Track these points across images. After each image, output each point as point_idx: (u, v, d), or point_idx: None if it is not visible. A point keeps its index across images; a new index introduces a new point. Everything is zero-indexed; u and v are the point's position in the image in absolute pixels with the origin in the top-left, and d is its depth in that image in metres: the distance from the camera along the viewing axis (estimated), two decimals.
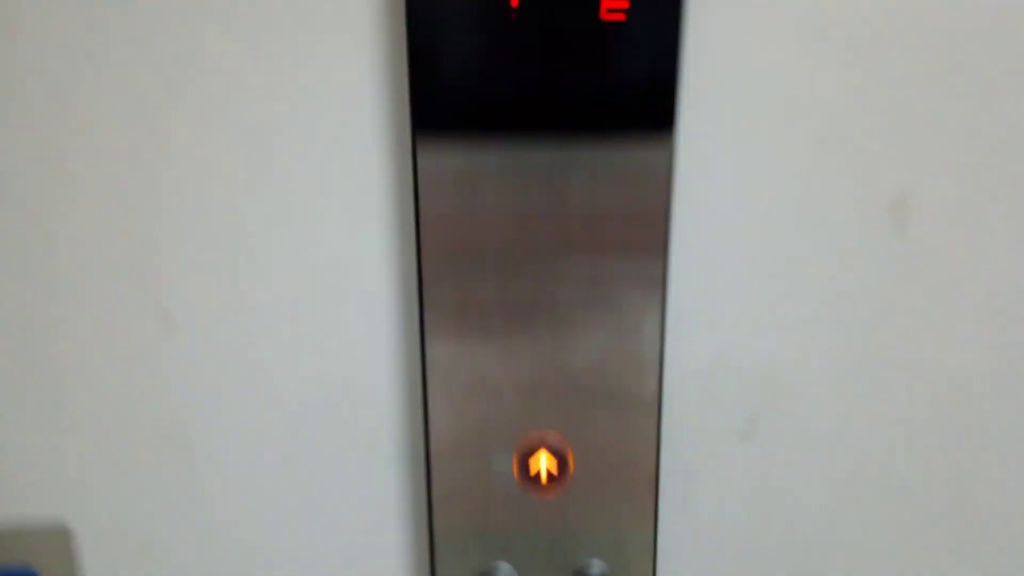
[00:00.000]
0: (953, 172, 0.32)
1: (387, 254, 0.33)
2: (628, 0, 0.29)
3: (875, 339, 0.34)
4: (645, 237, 0.31)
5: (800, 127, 0.32)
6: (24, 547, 0.37)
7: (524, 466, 0.34)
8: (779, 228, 0.33)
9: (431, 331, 0.32)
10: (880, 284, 0.33)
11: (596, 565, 0.36)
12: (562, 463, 0.34)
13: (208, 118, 0.31)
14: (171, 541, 0.37)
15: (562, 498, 0.34)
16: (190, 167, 0.32)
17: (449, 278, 0.32)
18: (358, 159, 0.31)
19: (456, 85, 0.29)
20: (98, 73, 0.31)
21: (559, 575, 0.35)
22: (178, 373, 0.34)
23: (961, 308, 0.33)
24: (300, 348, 0.34)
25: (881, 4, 0.30)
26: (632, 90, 0.29)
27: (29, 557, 0.37)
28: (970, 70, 0.31)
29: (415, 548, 0.37)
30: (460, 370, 0.33)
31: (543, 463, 0.34)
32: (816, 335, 0.34)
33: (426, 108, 0.29)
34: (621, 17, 0.29)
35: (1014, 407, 0.35)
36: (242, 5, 0.30)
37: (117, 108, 0.31)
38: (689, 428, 0.35)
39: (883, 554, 0.37)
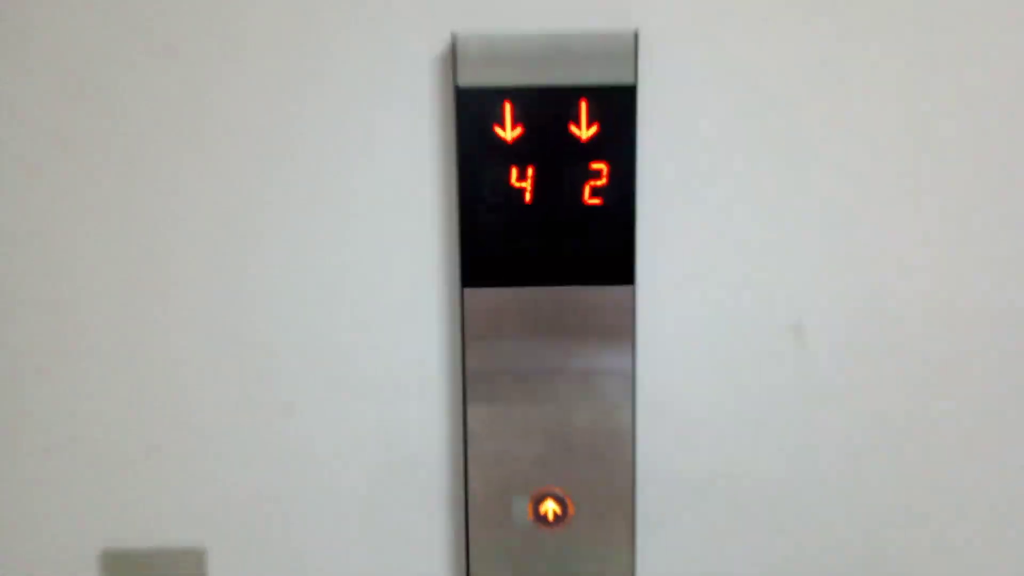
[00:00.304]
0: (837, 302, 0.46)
1: (443, 365, 0.47)
2: (602, 196, 0.44)
3: (790, 418, 0.47)
4: (619, 349, 0.45)
5: (724, 277, 0.46)
6: (167, 565, 0.50)
7: (536, 509, 0.47)
8: (715, 343, 0.46)
9: (472, 415, 0.46)
10: (787, 382, 0.47)
11: None
12: (563, 507, 0.47)
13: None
14: (280, 563, 0.50)
15: (564, 533, 0.47)
16: (304, 311, 0.46)
17: (484, 376, 0.46)
18: (427, 300, 0.46)
19: (490, 252, 0.44)
20: (203, 160, 0.46)
21: None
22: (293, 444, 0.48)
23: (845, 397, 0.47)
24: (378, 431, 0.48)
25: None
26: (605, 255, 0.44)
27: (171, 573, 0.50)
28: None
29: (456, 570, 0.50)
30: (490, 444, 0.46)
31: (550, 507, 0.47)
32: (745, 414, 0.47)
33: (470, 267, 0.44)
34: (599, 202, 0.44)
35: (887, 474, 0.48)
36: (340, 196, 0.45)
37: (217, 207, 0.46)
38: (659, 483, 0.48)
39: None
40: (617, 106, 0.43)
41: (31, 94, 0.44)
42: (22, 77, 0.44)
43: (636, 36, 0.43)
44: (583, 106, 0.43)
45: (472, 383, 0.46)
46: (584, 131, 0.43)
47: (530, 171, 0.43)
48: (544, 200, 0.44)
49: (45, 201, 0.45)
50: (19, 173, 0.45)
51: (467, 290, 0.44)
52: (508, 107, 0.43)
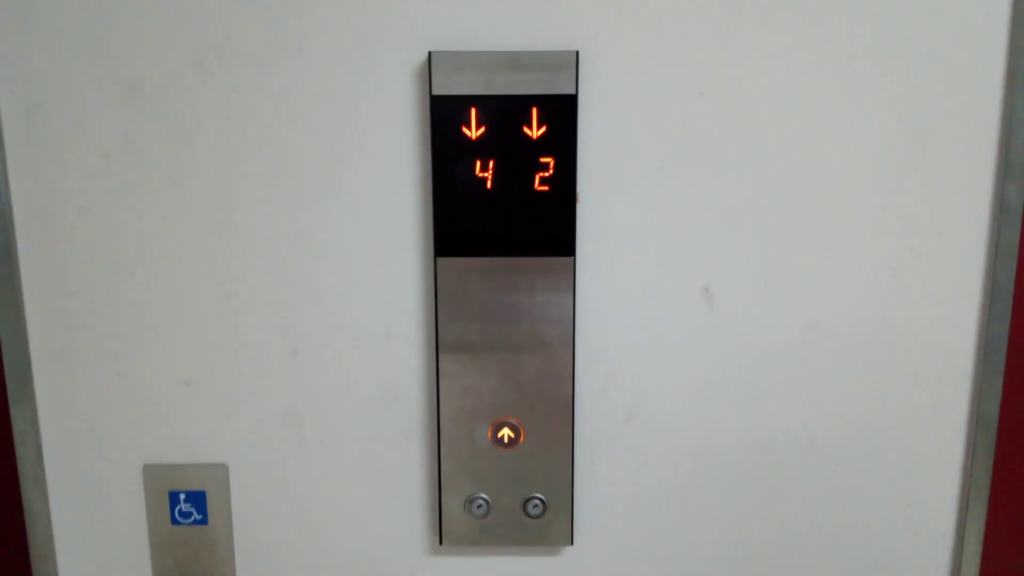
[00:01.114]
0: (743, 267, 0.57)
1: (420, 318, 0.57)
2: (549, 184, 0.54)
3: (699, 366, 0.59)
4: (561, 308, 0.56)
5: (647, 251, 0.56)
6: (197, 477, 0.61)
7: (495, 434, 0.58)
8: (639, 303, 0.57)
9: (443, 358, 0.57)
10: (698, 337, 0.58)
11: (538, 495, 0.59)
12: (517, 433, 0.58)
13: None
14: (286, 477, 0.61)
15: (516, 453, 0.59)
16: (317, 276, 0.57)
17: (453, 327, 0.56)
18: (406, 266, 0.57)
19: (458, 228, 0.54)
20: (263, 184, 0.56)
21: (515, 501, 0.59)
22: (300, 379, 0.59)
23: (743, 345, 0.58)
24: (371, 370, 0.59)
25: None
26: (551, 231, 0.54)
27: (202, 484, 0.61)
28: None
29: (430, 484, 0.61)
30: (459, 379, 0.57)
31: (505, 432, 0.58)
32: (663, 361, 0.59)
33: (442, 241, 0.55)
34: (547, 188, 0.54)
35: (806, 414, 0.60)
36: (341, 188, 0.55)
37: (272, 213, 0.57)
38: (592, 416, 0.59)
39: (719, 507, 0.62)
40: (561, 111, 0.53)
41: (100, 98, 0.54)
42: (93, 84, 0.54)
43: (577, 55, 0.52)
44: (534, 111, 0.52)
45: (443, 333, 0.56)
46: (535, 131, 0.53)
47: (491, 164, 0.53)
48: (502, 187, 0.54)
49: (112, 180, 0.55)
50: (92, 160, 0.55)
51: (439, 259, 0.55)
52: (473, 111, 0.52)
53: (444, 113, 0.53)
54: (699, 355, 0.58)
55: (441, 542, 0.60)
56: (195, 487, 0.61)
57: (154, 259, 0.57)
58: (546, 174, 0.54)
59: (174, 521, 0.61)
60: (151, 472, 0.61)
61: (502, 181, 0.54)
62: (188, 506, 0.61)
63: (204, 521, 0.61)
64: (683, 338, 0.58)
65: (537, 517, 0.59)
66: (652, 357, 0.59)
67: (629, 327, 0.58)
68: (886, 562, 0.62)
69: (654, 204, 0.56)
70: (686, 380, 0.59)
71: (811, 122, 0.54)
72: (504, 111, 0.52)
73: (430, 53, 0.52)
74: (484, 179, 0.54)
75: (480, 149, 0.53)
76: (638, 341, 0.58)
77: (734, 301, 0.57)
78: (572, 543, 0.61)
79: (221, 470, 0.61)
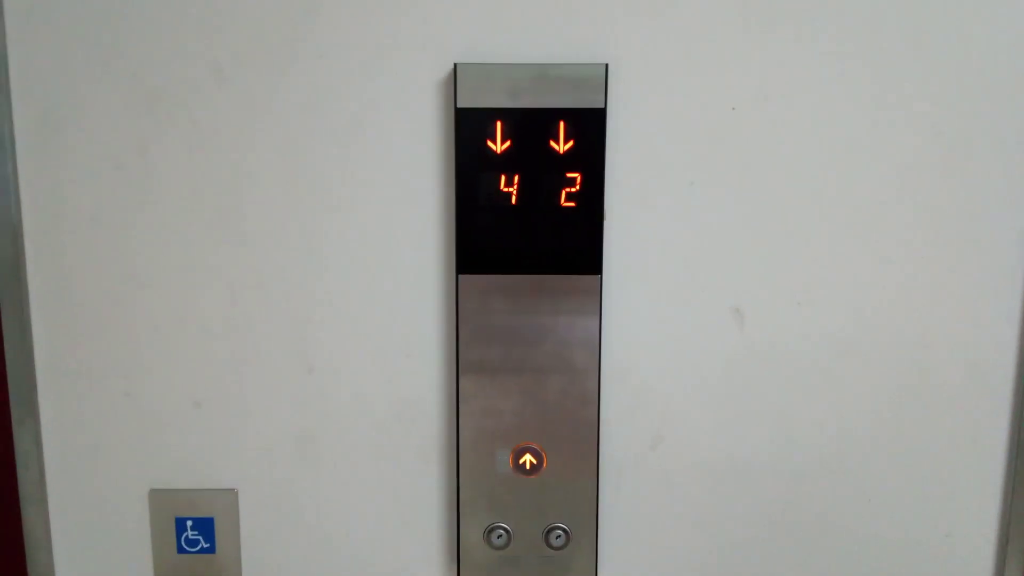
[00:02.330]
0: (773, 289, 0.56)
1: (440, 335, 0.56)
2: (575, 200, 0.53)
3: (729, 388, 0.57)
4: (587, 328, 0.55)
5: (676, 270, 0.55)
6: (206, 502, 0.59)
7: (516, 460, 0.57)
8: (667, 324, 0.56)
9: (463, 379, 0.55)
10: (728, 358, 0.57)
11: (560, 525, 0.57)
12: (539, 459, 0.57)
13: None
14: (298, 502, 0.59)
15: (539, 480, 0.57)
16: (334, 289, 0.56)
17: (475, 347, 0.55)
18: (427, 283, 0.56)
19: (481, 245, 0.53)
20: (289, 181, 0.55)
21: (537, 530, 0.57)
22: (315, 399, 0.58)
23: (776, 369, 0.57)
24: (386, 391, 0.57)
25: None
26: (577, 249, 0.53)
27: (210, 510, 0.59)
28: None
29: (448, 511, 0.59)
30: (479, 402, 0.56)
31: (527, 458, 0.57)
32: (691, 383, 0.57)
33: (465, 257, 0.53)
34: (573, 204, 0.53)
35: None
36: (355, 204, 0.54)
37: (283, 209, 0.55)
38: (618, 441, 0.58)
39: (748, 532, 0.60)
40: (589, 126, 0.52)
41: (116, 104, 0.53)
42: (107, 91, 0.53)
43: (607, 68, 0.51)
44: (561, 125, 0.52)
45: (464, 353, 0.55)
46: (561, 146, 0.52)
47: (516, 178, 0.52)
48: (527, 203, 0.53)
49: (125, 191, 0.54)
50: (105, 170, 0.54)
51: (461, 276, 0.54)
52: (499, 125, 0.52)
53: (469, 126, 0.52)
54: (729, 377, 0.57)
55: (459, 574, 0.58)
56: (203, 513, 0.59)
57: (166, 273, 0.56)
58: (573, 189, 0.53)
59: (180, 549, 0.59)
60: (158, 497, 0.59)
61: (527, 196, 0.53)
62: (195, 533, 0.59)
63: (212, 549, 0.60)
64: (713, 359, 0.57)
65: (560, 548, 0.58)
66: (680, 379, 0.57)
67: (657, 348, 0.57)
68: None
69: (683, 221, 0.55)
70: (716, 403, 0.58)
71: (845, 136, 0.53)
72: (530, 125, 0.52)
73: (456, 65, 0.51)
74: (509, 194, 0.53)
75: (505, 163, 0.52)
76: (666, 362, 0.57)
77: (765, 321, 0.56)
78: None
79: (230, 495, 0.59)
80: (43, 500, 0.58)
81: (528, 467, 0.57)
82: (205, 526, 0.59)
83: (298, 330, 0.56)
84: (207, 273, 0.55)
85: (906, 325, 0.56)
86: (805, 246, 0.55)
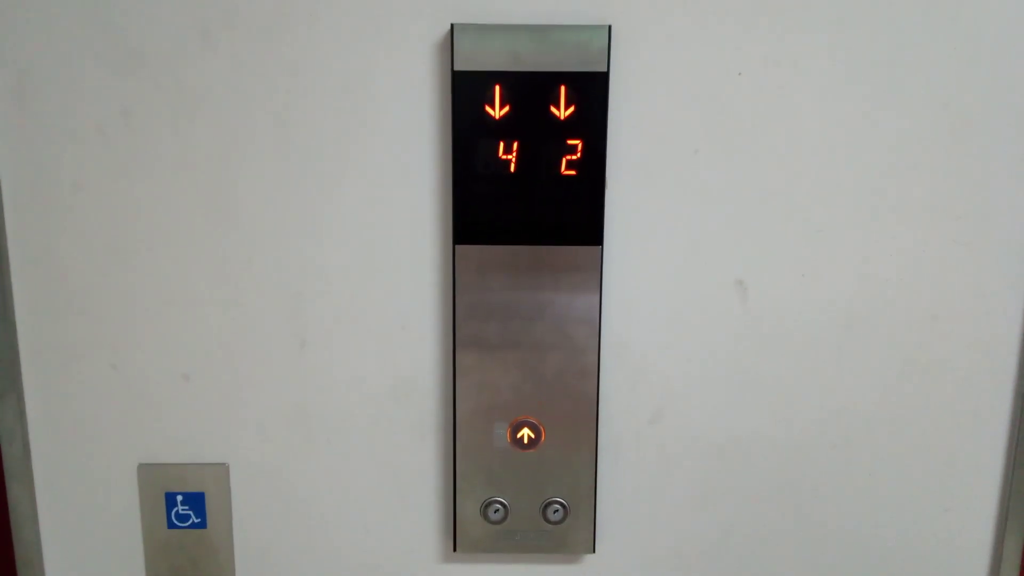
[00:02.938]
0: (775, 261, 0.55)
1: (436, 309, 0.55)
2: (577, 168, 0.51)
3: (730, 362, 0.56)
4: (587, 302, 0.54)
5: (678, 241, 0.54)
6: (198, 478, 0.58)
7: (513, 434, 0.56)
8: (668, 297, 0.55)
9: (460, 353, 0.54)
10: (730, 332, 0.56)
11: (558, 499, 0.57)
12: (537, 433, 0.56)
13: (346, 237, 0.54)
14: (291, 478, 0.59)
15: (537, 455, 0.57)
16: (326, 263, 0.54)
17: (472, 320, 0.54)
18: (422, 254, 0.54)
19: (478, 214, 0.52)
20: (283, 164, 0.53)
21: (534, 505, 0.57)
22: (308, 373, 0.57)
23: (777, 343, 0.56)
24: (381, 363, 0.56)
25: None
26: (577, 219, 0.52)
27: (201, 485, 0.59)
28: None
29: (444, 486, 0.59)
30: (476, 376, 0.55)
31: (525, 432, 0.56)
32: (692, 358, 0.56)
33: (461, 227, 0.52)
34: (574, 173, 0.52)
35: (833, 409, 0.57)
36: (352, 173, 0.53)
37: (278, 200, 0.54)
38: (617, 416, 0.57)
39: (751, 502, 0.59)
40: (592, 90, 0.50)
41: (97, 66, 0.51)
42: (88, 52, 0.51)
43: (610, 29, 0.50)
44: (562, 89, 0.50)
45: (461, 326, 0.54)
46: (562, 111, 0.51)
47: (515, 145, 0.51)
48: (526, 171, 0.51)
49: (108, 157, 0.52)
50: (87, 134, 0.52)
51: (458, 247, 0.53)
52: (498, 89, 0.50)
53: (466, 90, 0.50)
54: (731, 351, 0.56)
55: (455, 548, 0.58)
56: (193, 488, 0.59)
57: (152, 243, 0.54)
58: (574, 157, 0.51)
59: (171, 524, 0.59)
60: (146, 472, 0.58)
61: (527, 164, 0.51)
62: (186, 508, 0.59)
63: (203, 524, 0.59)
64: (714, 333, 0.56)
65: (557, 523, 0.57)
66: (681, 353, 0.56)
67: (658, 321, 0.56)
68: (921, 571, 0.60)
69: (687, 190, 0.54)
70: (716, 377, 0.57)
71: (855, 107, 0.52)
72: (530, 89, 0.50)
73: (452, 25, 0.50)
74: (507, 162, 0.51)
75: (504, 129, 0.51)
76: (667, 336, 0.56)
77: (769, 294, 0.55)
78: (594, 551, 0.59)
79: (221, 470, 0.58)
80: (28, 476, 0.57)
81: (526, 441, 0.56)
82: (196, 501, 0.58)
83: (290, 303, 0.55)
84: (196, 244, 0.54)
85: (912, 299, 0.55)
86: (811, 218, 0.54)
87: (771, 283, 0.55)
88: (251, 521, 0.59)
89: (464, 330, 0.54)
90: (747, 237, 0.54)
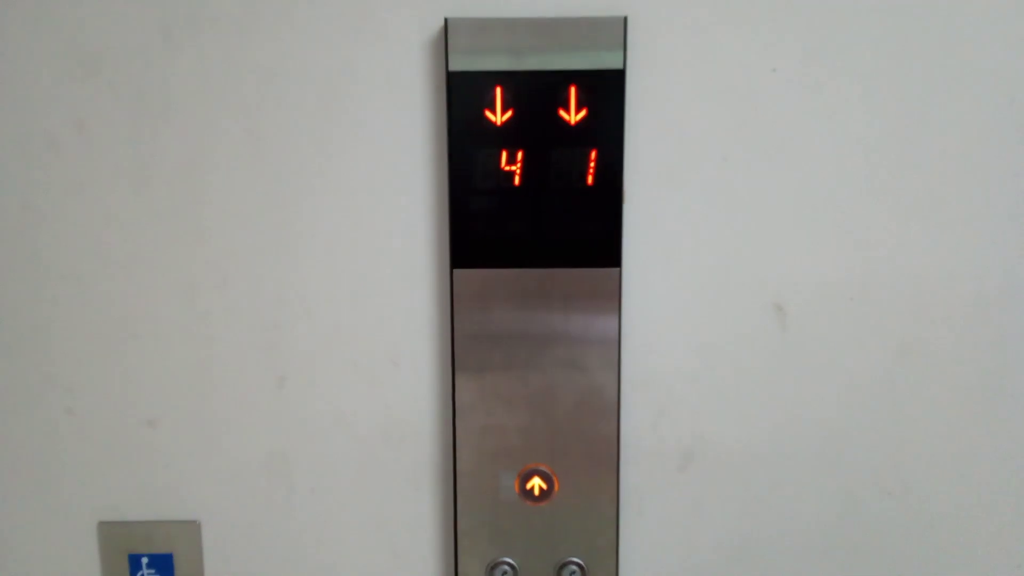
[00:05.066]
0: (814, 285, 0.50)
1: (433, 341, 0.51)
2: (590, 180, 0.47)
3: (769, 398, 0.51)
4: (604, 330, 0.49)
5: (706, 260, 0.50)
6: (165, 537, 0.54)
7: (523, 485, 0.51)
8: (697, 325, 0.50)
9: (460, 390, 0.50)
10: (768, 363, 0.51)
11: (574, 559, 0.52)
12: (549, 483, 0.51)
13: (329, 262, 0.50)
14: (271, 535, 0.54)
15: (550, 508, 0.51)
16: (306, 286, 0.50)
17: (473, 353, 0.49)
18: (416, 279, 0.50)
19: (479, 234, 0.48)
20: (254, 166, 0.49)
21: (547, 566, 0.52)
22: (287, 415, 0.52)
23: (821, 374, 0.51)
24: (371, 402, 0.52)
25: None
26: (592, 237, 0.47)
27: (169, 545, 0.54)
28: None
29: (445, 544, 0.54)
30: (479, 416, 0.50)
31: (536, 483, 0.51)
32: (726, 393, 0.51)
33: (460, 249, 0.48)
34: (587, 185, 0.47)
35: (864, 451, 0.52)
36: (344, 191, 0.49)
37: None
38: (641, 461, 0.53)
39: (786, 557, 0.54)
40: (606, 91, 0.47)
41: (49, 72, 0.48)
42: (41, 57, 0.48)
43: (625, 22, 0.46)
44: (572, 91, 0.46)
45: (461, 360, 0.50)
46: (573, 115, 0.47)
47: (519, 155, 0.47)
48: (533, 183, 0.47)
49: (60, 174, 0.49)
50: (38, 149, 0.49)
51: (457, 271, 0.48)
52: (499, 91, 0.46)
53: (463, 93, 0.47)
54: (769, 386, 0.52)
55: None
56: (161, 549, 0.54)
57: (111, 269, 0.51)
58: (587, 167, 0.47)
59: None
60: (108, 531, 0.54)
61: (533, 176, 0.47)
62: (152, 571, 0.54)
63: None
64: (750, 365, 0.51)
65: None
66: (712, 387, 0.52)
67: (686, 351, 0.51)
68: None
69: (716, 203, 0.49)
70: (753, 416, 0.52)
71: (907, 105, 0.48)
72: (536, 91, 0.47)
73: (446, 20, 0.46)
74: (511, 174, 0.48)
75: (507, 137, 0.47)
76: (696, 368, 0.51)
77: (812, 320, 0.51)
78: None
79: (192, 528, 0.54)
80: None
81: (537, 493, 0.51)
82: (163, 563, 0.54)
83: (266, 336, 0.51)
84: (159, 270, 0.50)
85: (978, 323, 0.50)
86: (859, 232, 0.49)
87: (814, 307, 0.50)
88: None
89: (464, 365, 0.50)
90: (786, 255, 0.50)
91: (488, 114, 0.47)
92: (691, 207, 0.49)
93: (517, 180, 0.47)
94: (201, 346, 0.51)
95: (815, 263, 0.50)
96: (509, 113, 0.47)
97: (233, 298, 0.50)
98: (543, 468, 0.51)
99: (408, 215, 0.49)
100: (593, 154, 0.47)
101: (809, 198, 0.49)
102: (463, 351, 0.49)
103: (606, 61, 0.46)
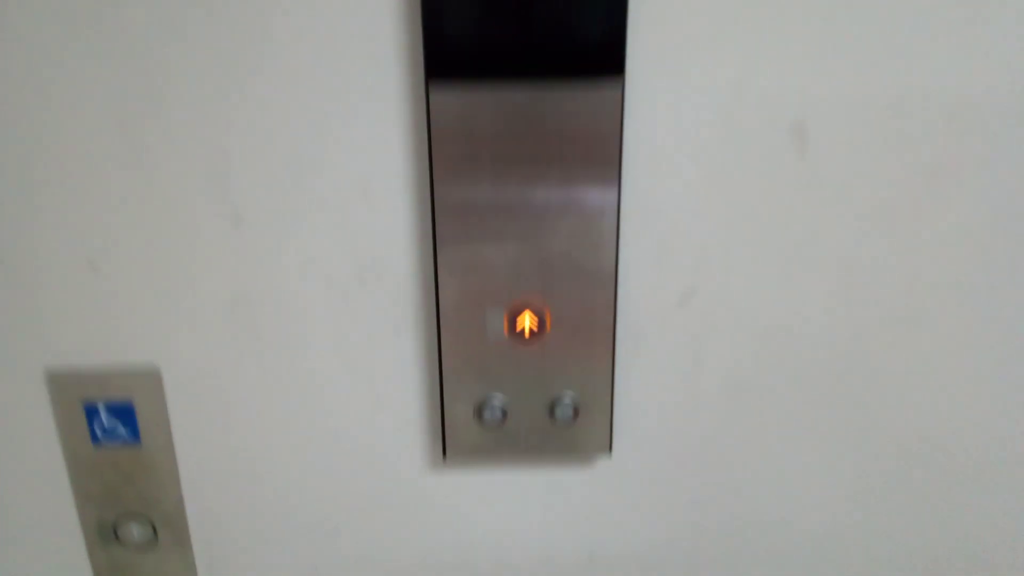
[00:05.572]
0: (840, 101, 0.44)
1: (408, 168, 0.45)
2: None
3: (782, 229, 0.47)
4: (603, 153, 0.43)
5: (722, 73, 0.43)
6: (123, 386, 0.50)
7: (513, 323, 0.47)
8: (707, 147, 0.45)
9: (440, 222, 0.44)
10: (783, 190, 0.46)
11: (568, 395, 0.49)
12: (541, 320, 0.47)
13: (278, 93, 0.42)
14: (238, 383, 0.50)
15: (542, 346, 0.48)
16: (259, 108, 0.43)
17: (453, 184, 0.44)
18: (386, 96, 0.43)
19: (459, 40, 0.40)
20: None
21: (540, 402, 0.50)
22: (246, 257, 0.46)
23: (848, 207, 0.46)
24: (341, 239, 0.46)
25: None
26: (590, 41, 0.40)
27: (127, 394, 0.50)
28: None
29: (428, 386, 0.51)
30: (462, 251, 0.45)
31: (527, 322, 0.47)
32: (734, 224, 0.47)
33: (436, 57, 0.40)
34: None
35: (898, 290, 0.48)
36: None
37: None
38: (640, 296, 0.49)
39: (783, 394, 0.52)
40: None
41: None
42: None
43: None
44: None
45: (440, 189, 0.44)
46: None
47: None
48: None
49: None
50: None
51: (432, 84, 0.41)
52: None
53: None
54: (782, 215, 0.47)
55: (445, 455, 0.51)
56: (118, 397, 0.51)
57: (46, 94, 0.43)
58: None
59: (95, 440, 0.50)
60: (58, 380, 0.50)
61: None
62: (112, 421, 0.50)
63: (136, 439, 0.50)
64: (762, 192, 0.46)
65: (567, 422, 0.49)
66: (721, 218, 0.47)
67: (691, 178, 0.46)
68: (994, 476, 0.54)
69: (735, 2, 0.42)
70: (763, 248, 0.48)
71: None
72: None
73: None
74: None
75: None
76: (703, 197, 0.46)
77: (835, 143, 0.45)
78: (610, 452, 0.52)
79: (151, 376, 0.50)
80: None
81: (527, 334, 0.47)
82: (123, 412, 0.50)
83: (215, 167, 0.45)
84: (97, 90, 0.43)
85: (1018, 143, 0.45)
86: (896, 40, 0.43)
87: (838, 128, 0.45)
88: (195, 435, 0.52)
89: (445, 194, 0.44)
90: (810, 65, 0.43)
91: None
92: (707, 6, 0.42)
93: None
94: (138, 178, 0.44)
95: (841, 73, 0.43)
96: None
97: (173, 124, 0.43)
98: (535, 303, 0.47)
99: (375, 19, 0.42)
100: None
101: (838, 5, 0.42)
102: (443, 178, 0.43)
103: None
